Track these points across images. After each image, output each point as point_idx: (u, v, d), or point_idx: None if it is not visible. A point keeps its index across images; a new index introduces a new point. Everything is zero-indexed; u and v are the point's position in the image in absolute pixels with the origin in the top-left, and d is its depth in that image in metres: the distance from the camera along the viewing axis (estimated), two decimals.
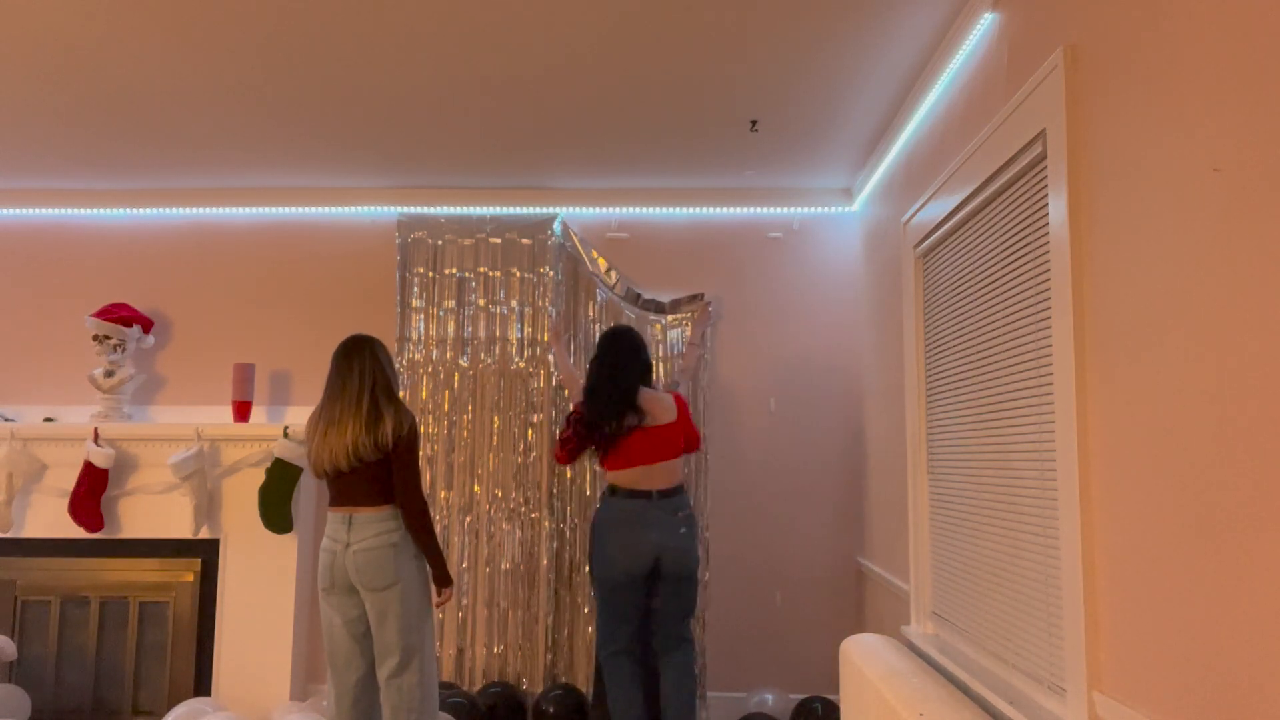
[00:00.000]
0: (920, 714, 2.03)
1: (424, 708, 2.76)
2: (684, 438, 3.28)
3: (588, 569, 3.32)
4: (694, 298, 3.94)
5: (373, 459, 2.75)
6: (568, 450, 3.25)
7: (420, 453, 3.37)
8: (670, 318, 3.96)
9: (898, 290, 3.23)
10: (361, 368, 2.83)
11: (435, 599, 2.88)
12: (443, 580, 2.85)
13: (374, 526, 2.75)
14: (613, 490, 3.20)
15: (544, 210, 4.02)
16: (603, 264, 3.99)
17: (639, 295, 3.98)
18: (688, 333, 3.91)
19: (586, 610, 3.80)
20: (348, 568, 2.74)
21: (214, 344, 4.06)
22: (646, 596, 3.18)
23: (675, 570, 3.11)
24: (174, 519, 3.77)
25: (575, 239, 3.98)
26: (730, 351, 3.95)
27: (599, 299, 3.98)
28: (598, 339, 3.39)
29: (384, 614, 2.73)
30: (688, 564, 3.13)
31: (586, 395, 3.24)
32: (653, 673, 3.24)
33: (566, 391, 3.83)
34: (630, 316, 3.97)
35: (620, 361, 3.24)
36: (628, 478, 3.17)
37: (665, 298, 3.99)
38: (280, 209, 4.09)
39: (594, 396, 3.21)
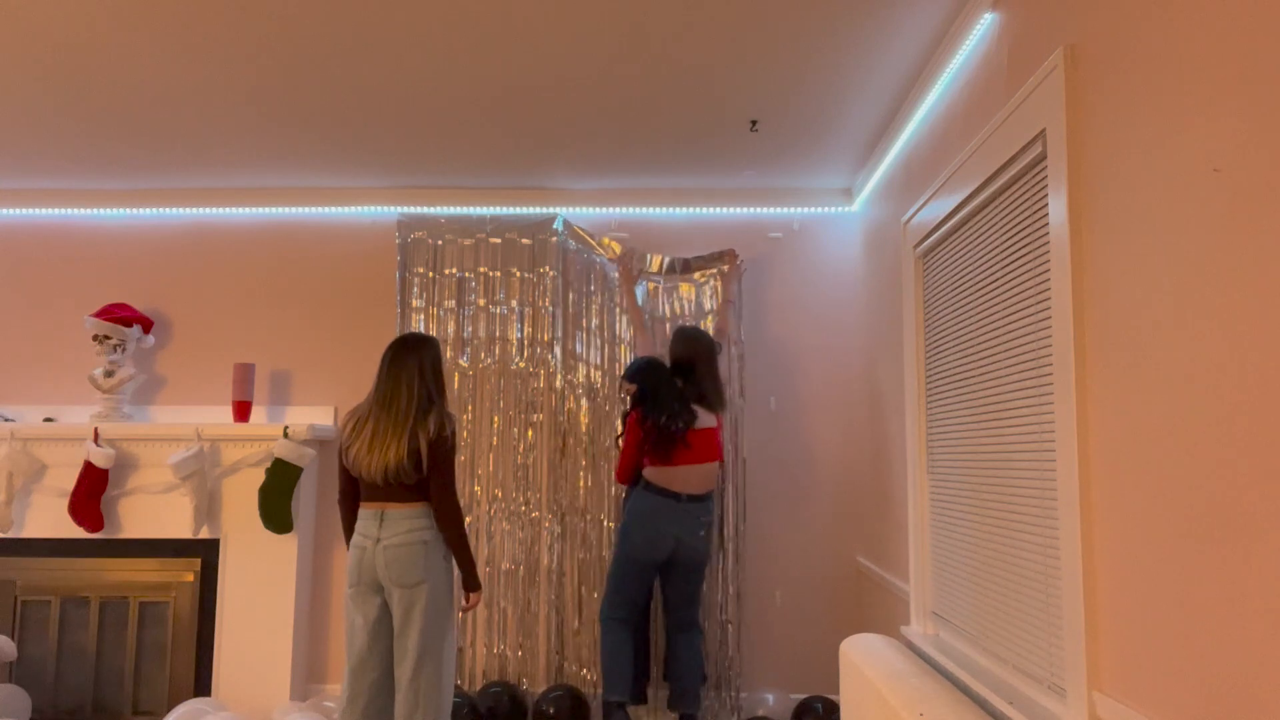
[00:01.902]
0: (920, 714, 2.03)
1: (439, 711, 2.73)
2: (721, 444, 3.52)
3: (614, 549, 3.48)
4: (721, 254, 3.88)
5: (411, 480, 2.75)
6: (630, 465, 3.40)
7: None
8: (698, 275, 3.93)
9: (898, 290, 3.23)
10: (410, 381, 2.79)
11: (461, 603, 2.86)
12: (471, 584, 2.83)
13: (406, 523, 2.73)
14: (646, 485, 3.36)
15: (544, 210, 4.02)
16: (616, 249, 3.95)
17: (665, 261, 3.92)
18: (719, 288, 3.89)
19: (592, 605, 3.80)
20: (376, 564, 2.71)
21: (214, 344, 4.06)
22: (655, 580, 3.47)
23: (687, 559, 3.36)
24: (174, 519, 3.77)
25: (580, 232, 3.97)
26: (730, 350, 3.94)
27: (600, 302, 3.97)
28: (672, 335, 3.58)
29: (409, 612, 2.70)
30: (699, 557, 3.38)
31: (660, 393, 3.36)
32: (646, 639, 3.60)
33: (631, 332, 3.90)
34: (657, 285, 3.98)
35: (698, 361, 3.44)
36: (665, 476, 3.34)
37: (689, 256, 3.96)
38: (280, 209, 4.09)
39: (668, 397, 3.35)
